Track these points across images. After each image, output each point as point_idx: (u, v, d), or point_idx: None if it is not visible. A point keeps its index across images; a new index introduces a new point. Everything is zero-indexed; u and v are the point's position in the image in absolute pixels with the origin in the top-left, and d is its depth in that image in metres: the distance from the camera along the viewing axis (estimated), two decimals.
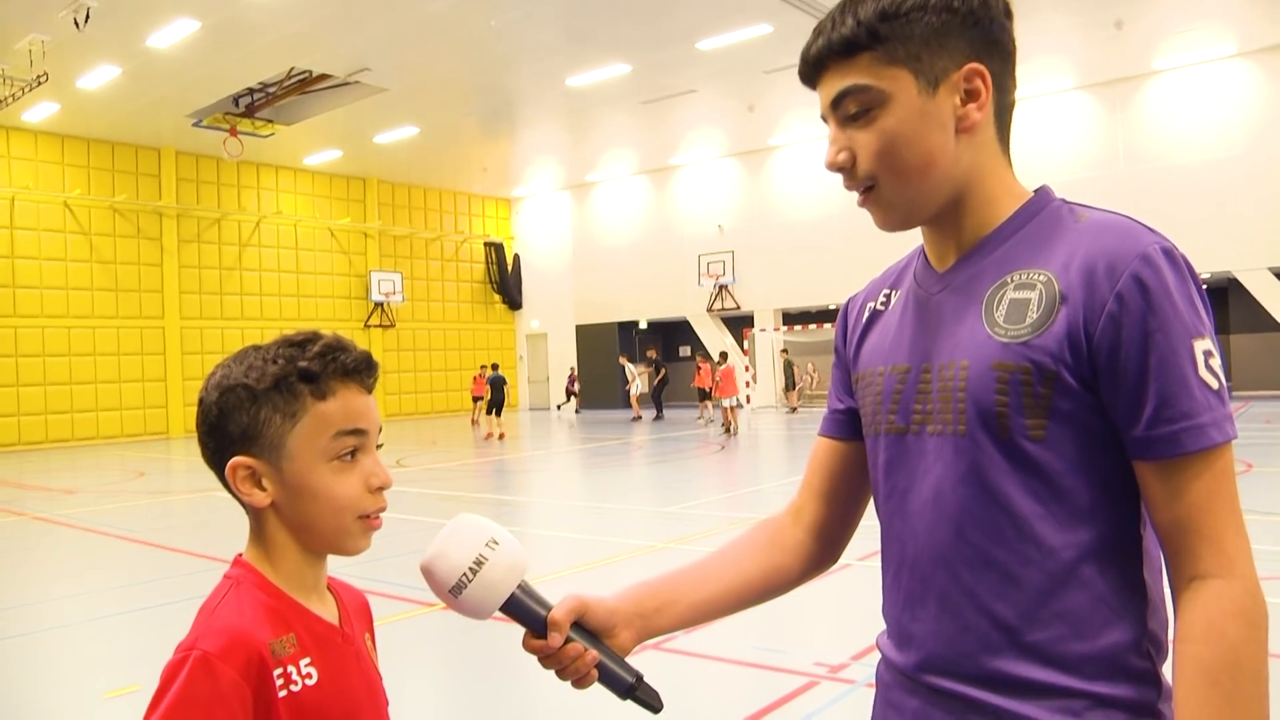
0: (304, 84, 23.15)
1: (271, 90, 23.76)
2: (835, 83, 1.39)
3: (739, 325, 31.96)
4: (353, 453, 1.38)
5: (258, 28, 18.97)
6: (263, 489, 1.36)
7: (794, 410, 28.85)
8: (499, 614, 1.38)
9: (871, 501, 1.61)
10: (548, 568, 8.73)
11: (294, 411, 1.35)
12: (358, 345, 1.42)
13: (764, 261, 30.86)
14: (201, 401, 1.40)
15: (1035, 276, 1.34)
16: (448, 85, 23.50)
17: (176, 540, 10.57)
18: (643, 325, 35.92)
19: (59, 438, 25.79)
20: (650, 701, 1.46)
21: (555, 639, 1.40)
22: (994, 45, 1.38)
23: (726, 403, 22.77)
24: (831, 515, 1.68)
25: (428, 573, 1.37)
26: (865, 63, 1.36)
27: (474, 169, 33.47)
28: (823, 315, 31.35)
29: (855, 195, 1.46)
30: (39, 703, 5.46)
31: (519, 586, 1.40)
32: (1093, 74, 24.54)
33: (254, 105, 24.46)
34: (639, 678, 1.45)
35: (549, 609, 1.41)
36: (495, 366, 25.61)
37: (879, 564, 1.54)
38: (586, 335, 35.78)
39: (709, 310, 32.33)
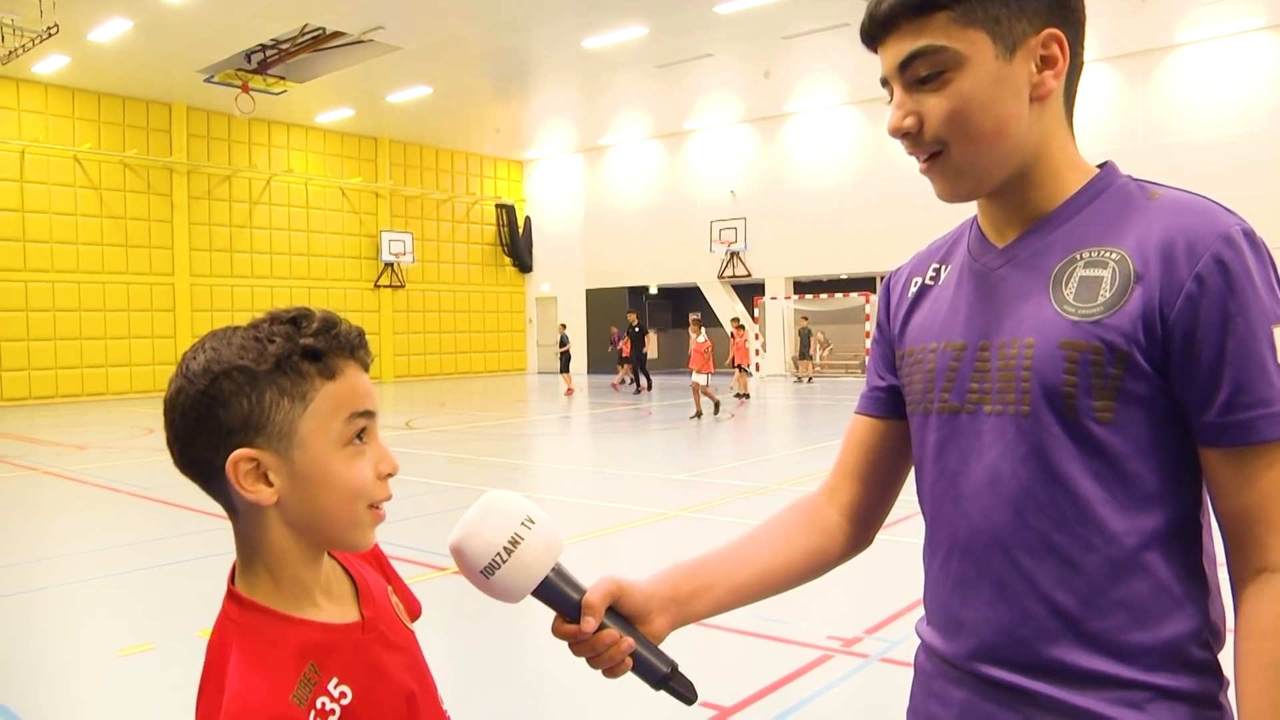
0: (317, 41, 22.94)
1: (284, 47, 23.55)
2: (905, 43, 1.32)
3: (750, 293, 31.83)
4: (362, 435, 1.27)
5: None
6: (268, 484, 1.22)
7: (808, 380, 28.68)
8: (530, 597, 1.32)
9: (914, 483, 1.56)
10: (564, 533, 8.70)
11: (303, 394, 1.22)
12: (349, 321, 1.31)
13: (776, 229, 30.67)
14: (181, 391, 1.22)
15: (1107, 254, 1.29)
16: (462, 45, 23.29)
17: (187, 498, 10.55)
18: (653, 291, 35.81)
19: (69, 393, 25.83)
20: (684, 693, 1.39)
21: (589, 624, 1.33)
22: (1070, 12, 1.33)
23: (699, 379, 18.62)
24: (868, 496, 1.63)
25: (458, 553, 1.29)
26: (941, 23, 1.29)
27: (487, 130, 33.24)
28: (834, 285, 31.20)
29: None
30: (54, 658, 5.46)
31: (553, 569, 1.33)
32: (1115, 46, 24.17)
33: (266, 62, 24.25)
34: (674, 667, 1.39)
35: (583, 593, 1.35)
36: (563, 326, 26.72)
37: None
38: (597, 300, 35.66)
39: (720, 277, 32.17)
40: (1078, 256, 1.31)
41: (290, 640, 1.23)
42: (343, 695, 1.24)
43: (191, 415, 1.21)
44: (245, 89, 25.22)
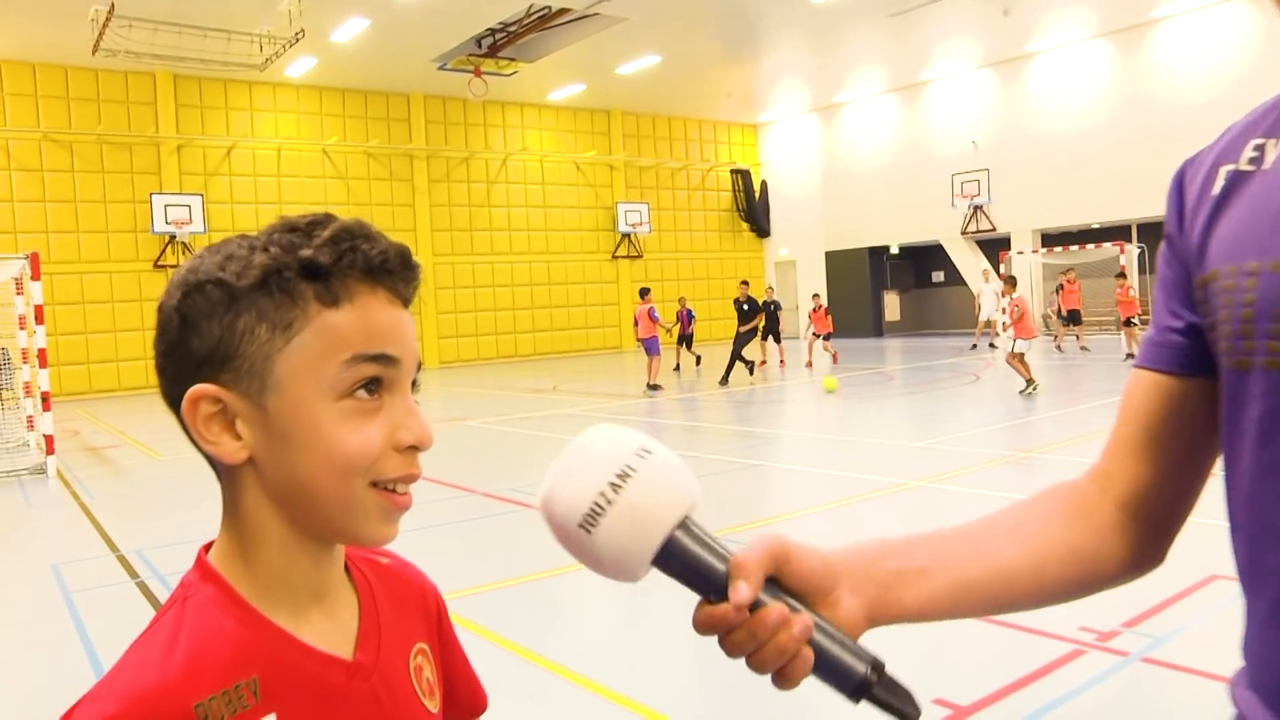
0: (544, 20, 23.13)
1: (512, 29, 23.87)
2: None
3: (994, 248, 30.29)
4: (374, 388, 0.94)
5: None
6: (235, 435, 0.93)
7: (1077, 343, 24.84)
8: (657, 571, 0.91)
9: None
10: (790, 505, 8.35)
11: (288, 322, 0.91)
12: (388, 237, 0.97)
13: (1022, 179, 29.04)
14: (160, 309, 0.96)
15: None
16: (688, 10, 23.03)
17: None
18: (894, 250, 34.72)
19: None
20: (899, 704, 0.89)
21: (742, 593, 0.88)
22: None
23: (1022, 346, 14.91)
24: (1157, 482, 1.10)
25: (548, 505, 0.90)
26: None
27: (718, 95, 32.88)
28: (1085, 235, 29.27)
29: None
30: None
31: (683, 523, 0.89)
32: (1109, 23, 25.83)
33: (496, 45, 24.68)
34: (878, 666, 0.90)
35: (729, 558, 0.90)
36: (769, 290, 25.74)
37: None
38: (836, 262, 34.84)
39: (963, 233, 30.81)
40: None
41: (236, 638, 0.93)
42: None
43: (164, 339, 0.95)
44: (477, 73, 25.81)
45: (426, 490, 9.49)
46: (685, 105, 34.26)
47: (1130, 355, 19.20)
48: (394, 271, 0.96)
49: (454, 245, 30.19)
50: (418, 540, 7.62)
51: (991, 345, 24.83)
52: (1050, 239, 30.02)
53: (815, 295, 24.96)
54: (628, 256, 33.92)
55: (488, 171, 31.06)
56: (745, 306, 20.91)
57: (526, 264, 31.68)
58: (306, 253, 0.92)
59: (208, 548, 1.00)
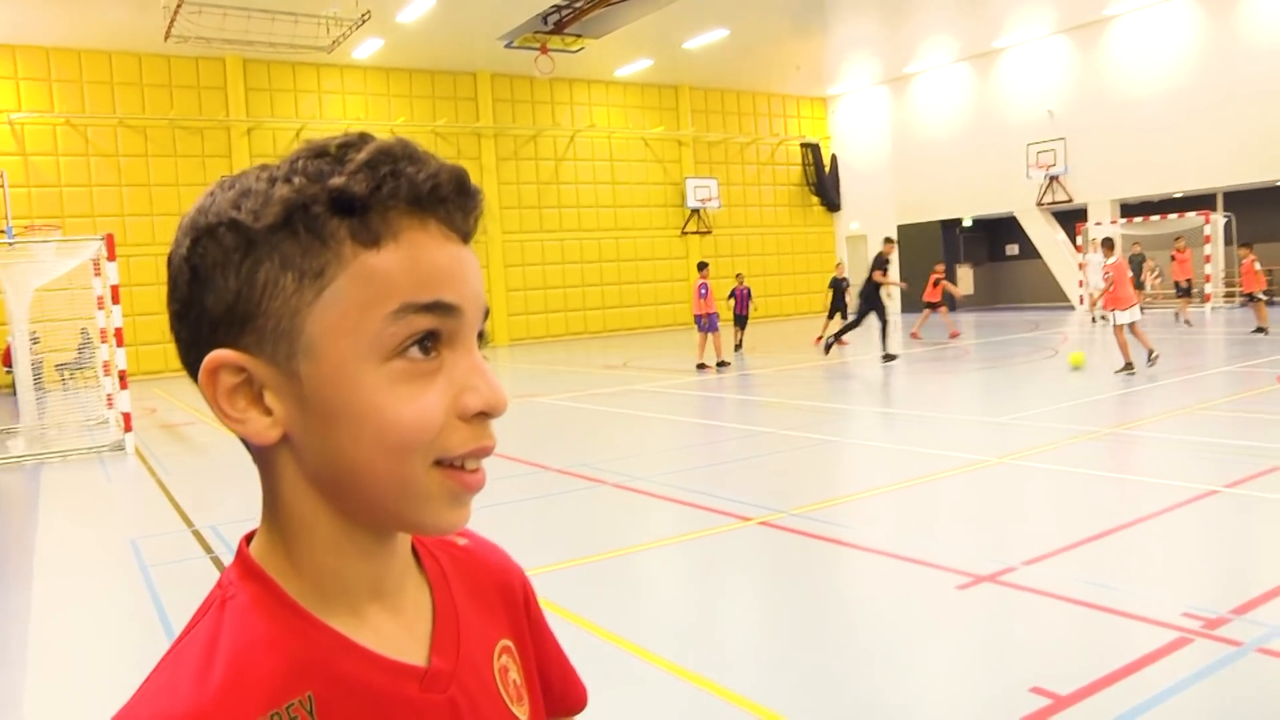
0: None
1: (578, 5, 23.70)
2: None
3: (1071, 219, 29.54)
4: (430, 345, 0.77)
5: None
6: (264, 410, 0.77)
7: (1183, 321, 22.94)
8: None
9: None
10: (866, 482, 8.16)
11: (319, 268, 0.74)
12: (439, 158, 0.79)
13: (1099, 147, 28.29)
14: (169, 260, 0.80)
15: None
16: None
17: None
18: (967, 223, 34.08)
19: None
20: None
21: None
22: None
23: (1123, 318, 13.69)
24: None
25: None
26: None
27: (787, 68, 32.46)
28: (1167, 205, 28.36)
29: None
30: None
31: None
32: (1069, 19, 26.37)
33: (562, 22, 24.52)
34: None
35: None
36: (839, 267, 24.60)
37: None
38: (908, 235, 34.24)
39: (1038, 204, 30.12)
40: None
41: (286, 648, 0.78)
42: None
43: (175, 296, 0.79)
44: (544, 50, 25.74)
45: (497, 466, 9.44)
46: (753, 79, 33.86)
47: (1261, 329, 18.13)
48: (447, 199, 0.78)
49: (523, 223, 30.29)
50: (487, 518, 7.51)
51: (1102, 318, 23.86)
52: (1130, 209, 29.22)
53: (938, 266, 23.79)
54: (697, 232, 33.70)
55: (556, 149, 31.06)
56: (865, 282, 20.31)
57: (596, 241, 31.66)
58: (337, 181, 0.74)
59: (249, 537, 0.85)
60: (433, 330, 0.76)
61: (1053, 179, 29.45)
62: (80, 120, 23.88)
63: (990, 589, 5.03)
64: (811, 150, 36.79)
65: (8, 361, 15.51)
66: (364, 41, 24.85)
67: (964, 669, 4.27)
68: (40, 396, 13.82)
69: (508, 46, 26.17)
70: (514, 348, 28.39)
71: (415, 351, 0.76)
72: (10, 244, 13.51)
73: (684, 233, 33.52)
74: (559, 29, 24.88)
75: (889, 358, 16.90)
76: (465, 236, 0.81)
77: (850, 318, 19.20)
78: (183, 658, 0.76)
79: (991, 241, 35.67)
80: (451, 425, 0.77)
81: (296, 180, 0.75)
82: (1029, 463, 8.28)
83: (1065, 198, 29.27)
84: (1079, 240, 28.11)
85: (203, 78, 25.37)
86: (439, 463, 0.77)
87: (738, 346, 21.39)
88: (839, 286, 22.68)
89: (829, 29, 28.21)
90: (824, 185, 36.86)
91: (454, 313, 0.77)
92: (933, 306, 22.73)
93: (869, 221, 35.95)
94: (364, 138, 0.77)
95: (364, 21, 21.49)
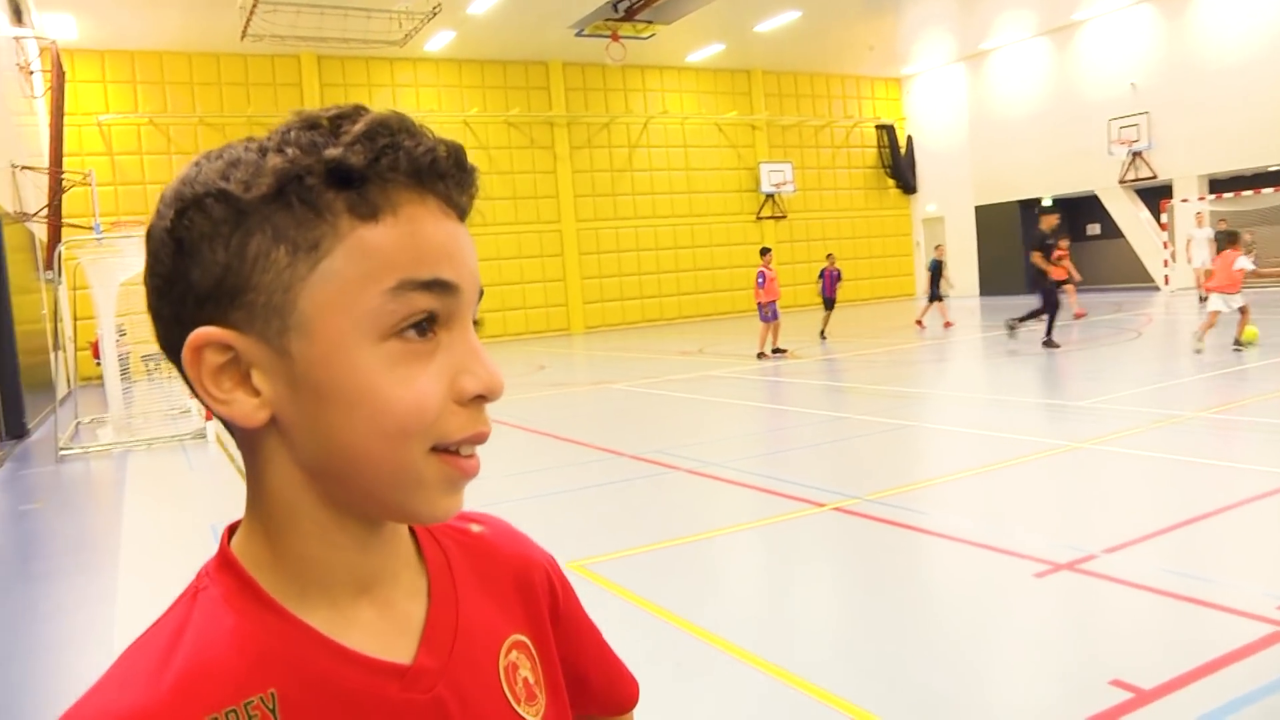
0: None
1: None
2: None
3: (1155, 197, 28.75)
4: (426, 326, 0.74)
5: None
6: (252, 391, 0.74)
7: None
8: None
9: None
10: (942, 468, 8.02)
11: (313, 241, 0.72)
12: (434, 133, 0.77)
13: (1185, 121, 27.42)
14: (149, 234, 0.76)
15: None
16: None
17: (567, 429, 10.77)
18: (1046, 202, 33.35)
19: None
20: None
21: None
22: None
23: (1219, 304, 13.21)
24: None
25: None
26: None
27: (860, 49, 32.03)
28: (1260, 179, 27.33)
29: None
30: None
31: None
32: None
33: (632, 8, 24.45)
34: None
35: None
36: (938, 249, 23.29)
37: None
38: (986, 216, 33.69)
39: (1120, 182, 29.37)
40: None
41: (250, 642, 0.75)
42: None
43: (156, 271, 0.75)
44: (615, 38, 25.71)
45: (573, 453, 9.52)
46: (826, 61, 33.50)
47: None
48: (446, 175, 0.76)
49: (597, 210, 30.44)
50: (562, 503, 7.61)
51: (1202, 299, 23.04)
52: (1219, 185, 28.31)
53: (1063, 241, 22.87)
54: (772, 217, 33.51)
55: (629, 136, 31.13)
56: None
57: (670, 227, 31.65)
58: (334, 152, 0.72)
59: (233, 529, 0.82)
60: (431, 311, 0.74)
61: (1135, 155, 28.68)
62: (163, 120, 24.55)
63: (1069, 577, 4.91)
64: (887, 132, 36.35)
65: (96, 354, 15.88)
66: (436, 34, 25.13)
67: (1041, 660, 4.16)
68: (127, 387, 14.14)
69: (579, 35, 26.20)
70: (589, 335, 28.57)
71: (411, 333, 0.74)
72: (99, 240, 13.87)
73: (759, 218, 33.35)
74: (629, 16, 24.83)
75: (1050, 344, 15.81)
76: (462, 214, 0.79)
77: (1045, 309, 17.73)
78: (145, 650, 0.74)
79: (1072, 221, 34.88)
80: (449, 410, 0.75)
81: (290, 151, 0.72)
82: (1111, 447, 8.08)
83: (1149, 174, 28.49)
84: (1163, 218, 27.39)
85: (278, 75, 25.86)
86: (435, 449, 0.75)
87: (822, 333, 20.92)
88: (937, 269, 22.01)
89: (903, 7, 27.77)
90: (900, 167, 36.41)
91: (452, 291, 0.75)
92: (1059, 285, 21.78)
93: (946, 203, 35.45)
94: (358, 109, 0.75)
95: (435, 14, 21.76)
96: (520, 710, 0.87)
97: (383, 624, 0.81)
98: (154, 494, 9.48)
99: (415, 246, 0.73)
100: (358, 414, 0.72)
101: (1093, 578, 4.91)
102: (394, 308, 0.72)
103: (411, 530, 0.88)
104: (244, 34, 21.31)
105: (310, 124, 0.74)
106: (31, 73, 20.64)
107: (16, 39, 19.30)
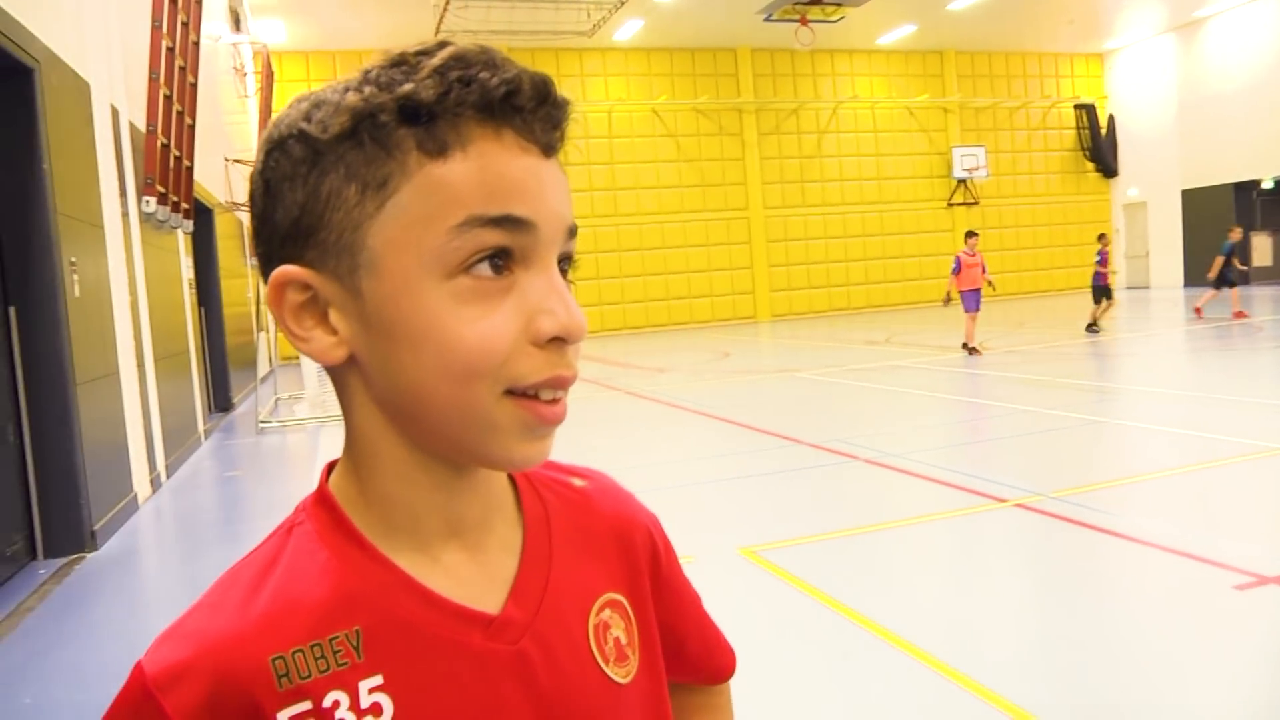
0: None
1: None
2: None
3: None
4: (501, 263, 0.72)
5: None
6: (330, 329, 0.75)
7: None
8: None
9: None
10: (1134, 467, 7.58)
11: (382, 179, 0.71)
12: (520, 65, 0.74)
13: None
14: (251, 176, 0.78)
15: None
16: None
17: (748, 416, 10.71)
18: (1266, 184, 31.16)
19: (658, 323, 28.86)
20: None
21: None
22: None
23: None
24: None
25: None
26: None
27: (1059, 24, 30.58)
28: None
29: None
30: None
31: None
32: None
33: None
34: None
35: None
36: (1233, 230, 20.95)
37: None
38: (1194, 201, 31.65)
39: None
40: None
41: (339, 579, 0.76)
42: (375, 710, 0.73)
43: (253, 211, 0.78)
44: (804, 22, 25.40)
45: (752, 439, 9.44)
46: (1022, 38, 32.23)
47: None
48: (524, 108, 0.73)
49: (785, 198, 30.28)
50: (739, 489, 7.57)
51: None
52: None
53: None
54: (963, 204, 32.58)
55: (818, 121, 30.84)
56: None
57: (859, 215, 31.22)
58: (406, 88, 0.70)
59: (331, 467, 0.83)
60: (503, 247, 0.72)
61: None
62: None
63: (1276, 591, 4.53)
64: (1086, 111, 34.72)
65: None
66: (624, 23, 25.56)
67: (1236, 679, 3.77)
68: (320, 368, 14.86)
69: (767, 20, 25.97)
70: (775, 323, 28.46)
71: (484, 269, 0.72)
72: None
73: (950, 204, 32.47)
74: None
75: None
76: (547, 149, 0.76)
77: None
78: (239, 578, 0.77)
79: None
80: (523, 351, 0.72)
81: (367, 90, 0.72)
82: None
83: None
84: None
85: None
86: (510, 392, 0.73)
87: (1091, 325, 18.13)
88: (1231, 253, 19.68)
89: None
90: (1100, 150, 34.72)
91: (526, 228, 0.73)
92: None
93: (1149, 188, 33.54)
94: (443, 44, 0.73)
95: (623, 3, 22.14)
96: (608, 670, 0.85)
97: (472, 571, 0.81)
98: None
99: (485, 183, 0.71)
100: (424, 353, 0.71)
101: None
102: (459, 244, 0.71)
103: (513, 481, 0.88)
104: (437, 30, 21.97)
105: (394, 62, 0.73)
106: (244, 74, 22.11)
107: (234, 45, 20.65)
